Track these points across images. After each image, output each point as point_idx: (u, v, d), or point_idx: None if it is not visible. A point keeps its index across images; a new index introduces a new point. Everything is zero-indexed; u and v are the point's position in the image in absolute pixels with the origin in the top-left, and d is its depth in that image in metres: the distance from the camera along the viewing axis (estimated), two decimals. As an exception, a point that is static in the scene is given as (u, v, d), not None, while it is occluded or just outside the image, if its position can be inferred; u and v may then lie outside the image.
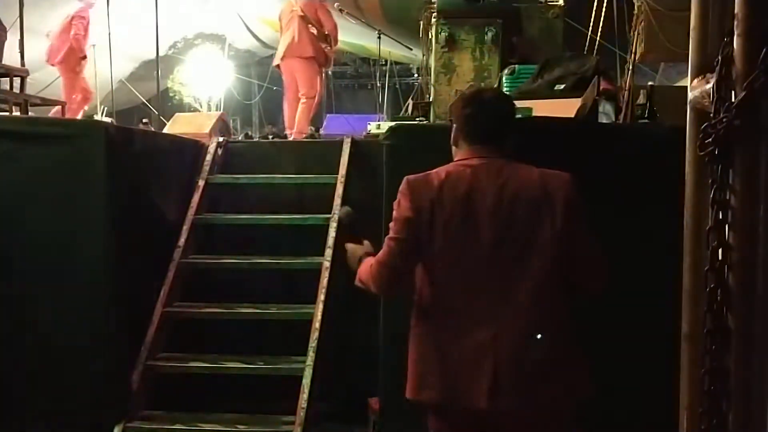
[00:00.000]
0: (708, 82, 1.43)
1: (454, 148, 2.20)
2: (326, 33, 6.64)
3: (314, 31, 6.55)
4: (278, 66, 6.85)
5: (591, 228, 2.07)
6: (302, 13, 6.50)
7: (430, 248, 2.05)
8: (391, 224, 2.12)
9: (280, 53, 6.69)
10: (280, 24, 6.80)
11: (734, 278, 1.34)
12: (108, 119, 7.16)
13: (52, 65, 7.56)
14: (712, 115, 1.35)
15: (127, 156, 3.75)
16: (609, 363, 2.77)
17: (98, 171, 3.53)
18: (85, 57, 7.48)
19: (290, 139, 6.46)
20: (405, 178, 2.12)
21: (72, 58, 7.38)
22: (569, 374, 2.03)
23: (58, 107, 6.65)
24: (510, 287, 2.00)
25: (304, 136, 6.51)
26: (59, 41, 7.40)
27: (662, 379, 2.03)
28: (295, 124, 6.63)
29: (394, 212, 2.11)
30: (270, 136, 11.65)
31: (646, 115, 3.90)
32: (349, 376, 3.96)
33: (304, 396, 3.47)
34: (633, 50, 6.30)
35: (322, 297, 3.78)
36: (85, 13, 7.45)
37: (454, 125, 2.20)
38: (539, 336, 1.98)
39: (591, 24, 7.14)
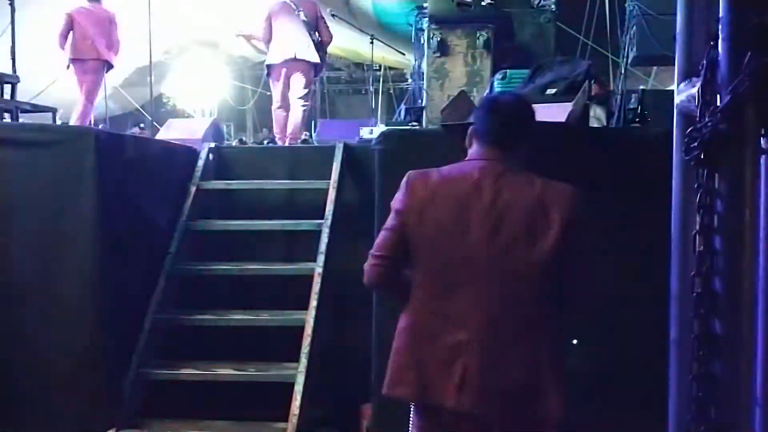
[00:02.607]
0: (694, 86, 1.43)
1: (468, 148, 2.20)
2: (321, 42, 6.61)
3: (314, 38, 6.53)
4: (269, 66, 6.66)
5: (586, 250, 2.02)
6: (306, 19, 6.46)
7: (417, 245, 2.06)
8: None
9: (281, 55, 6.44)
10: (268, 23, 6.61)
11: (721, 283, 1.33)
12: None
13: (84, 60, 6.60)
14: (697, 119, 1.35)
15: (118, 162, 3.73)
16: (601, 370, 2.77)
17: (88, 177, 3.51)
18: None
19: (284, 143, 6.41)
20: (408, 173, 2.14)
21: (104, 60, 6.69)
22: (539, 392, 1.96)
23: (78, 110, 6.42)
24: (490, 294, 1.98)
25: (299, 141, 6.48)
26: (99, 37, 6.54)
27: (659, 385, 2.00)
28: (292, 129, 6.57)
29: (392, 204, 2.14)
30: (265, 141, 11.66)
31: (637, 119, 3.92)
32: (341, 382, 3.94)
33: (296, 402, 3.45)
34: (625, 54, 6.31)
35: (314, 303, 3.77)
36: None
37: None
38: (513, 346, 1.96)
39: (583, 28, 7.16)
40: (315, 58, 6.46)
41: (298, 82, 6.50)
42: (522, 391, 1.96)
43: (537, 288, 1.97)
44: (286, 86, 6.57)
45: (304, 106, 6.55)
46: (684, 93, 1.51)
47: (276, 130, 6.78)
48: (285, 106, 6.61)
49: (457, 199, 2.02)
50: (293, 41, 6.40)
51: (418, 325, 2.07)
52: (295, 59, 6.39)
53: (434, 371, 2.00)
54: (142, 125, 11.00)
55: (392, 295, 2.23)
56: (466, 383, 1.95)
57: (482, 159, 2.07)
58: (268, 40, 6.58)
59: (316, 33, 6.53)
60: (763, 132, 1.36)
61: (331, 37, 6.69)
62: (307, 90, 6.55)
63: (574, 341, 3.02)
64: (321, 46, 6.58)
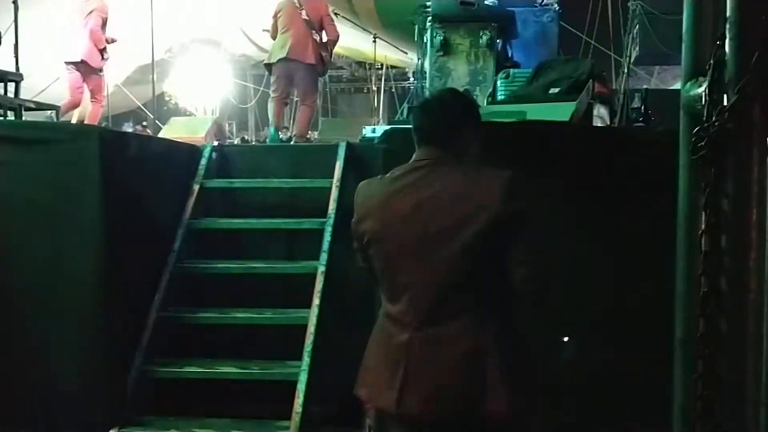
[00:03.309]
0: (701, 86, 1.43)
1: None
2: (326, 41, 6.60)
3: (317, 37, 6.51)
4: (269, 65, 6.69)
5: (529, 238, 1.94)
6: (307, 18, 6.44)
7: (368, 252, 2.08)
8: None
9: (278, 53, 6.49)
10: (275, 20, 6.67)
11: (727, 283, 1.33)
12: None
13: (73, 63, 6.76)
14: (704, 118, 1.35)
15: (122, 160, 3.74)
16: (603, 369, 2.77)
17: (92, 175, 3.52)
18: (104, 50, 6.82)
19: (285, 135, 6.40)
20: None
21: (93, 55, 6.71)
22: (484, 389, 1.88)
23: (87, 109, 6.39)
24: (424, 293, 1.94)
25: (304, 140, 6.48)
26: (78, 37, 6.67)
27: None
28: (298, 128, 6.58)
29: None
30: (267, 140, 11.64)
31: (640, 119, 3.92)
32: (344, 380, 3.93)
33: (299, 400, 3.45)
34: (628, 53, 6.32)
35: (317, 301, 3.77)
36: (105, 7, 6.85)
37: None
38: (452, 345, 1.91)
39: (586, 27, 7.16)
40: (310, 59, 6.42)
41: (298, 83, 6.51)
42: (464, 390, 1.91)
43: (470, 281, 1.92)
44: (287, 83, 6.57)
45: (308, 105, 6.56)
46: (690, 92, 1.51)
47: (272, 119, 6.74)
48: (283, 99, 6.60)
49: (389, 203, 2.01)
50: (291, 41, 6.40)
51: (379, 328, 2.08)
52: (288, 59, 6.39)
53: (384, 374, 1.99)
54: (144, 123, 11.01)
55: None
56: (408, 386, 1.92)
57: (415, 160, 2.04)
58: (275, 38, 6.60)
59: (321, 32, 6.52)
60: (769, 131, 1.36)
61: (338, 36, 6.68)
62: (308, 90, 6.55)
63: (565, 338, 3.03)
64: (325, 46, 6.57)
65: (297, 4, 6.50)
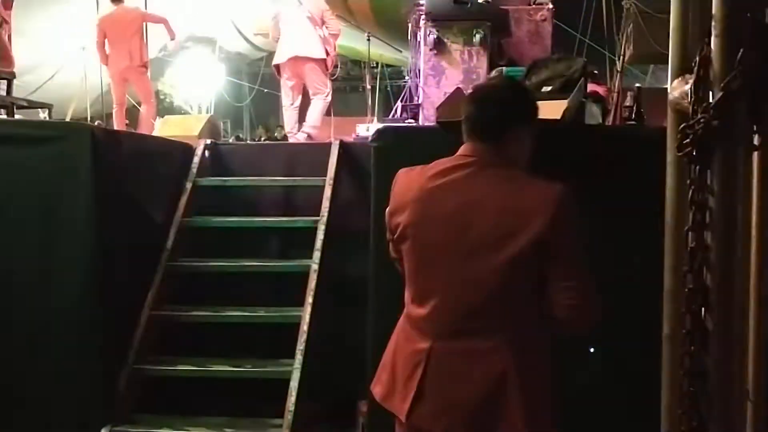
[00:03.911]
0: (687, 83, 1.43)
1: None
2: (328, 36, 6.61)
3: (321, 34, 6.53)
4: (277, 66, 6.73)
5: (579, 259, 1.78)
6: (310, 15, 6.46)
7: (400, 247, 1.96)
8: None
9: (285, 53, 6.53)
10: (276, 22, 6.67)
11: (713, 279, 1.34)
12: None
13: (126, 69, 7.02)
14: (690, 115, 1.36)
15: (114, 159, 3.73)
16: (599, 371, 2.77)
17: (84, 173, 3.51)
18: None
19: (302, 139, 6.41)
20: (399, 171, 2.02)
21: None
22: (503, 406, 1.77)
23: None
24: (452, 303, 1.82)
25: (316, 131, 6.48)
26: (133, 43, 6.98)
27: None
28: (310, 119, 6.58)
29: None
30: (262, 139, 11.64)
31: (633, 117, 3.92)
32: (337, 378, 3.94)
33: (292, 399, 3.45)
34: (621, 52, 6.33)
35: (310, 300, 3.77)
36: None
37: None
38: (474, 359, 1.80)
39: (580, 26, 7.17)
40: (319, 53, 6.46)
41: (309, 78, 6.53)
42: (482, 406, 1.79)
43: (502, 300, 1.79)
44: (297, 84, 6.60)
45: (320, 99, 6.58)
46: (677, 90, 1.51)
47: (287, 128, 6.83)
48: (296, 106, 6.64)
49: (428, 199, 1.87)
50: (296, 39, 6.43)
51: (400, 328, 1.99)
52: (297, 57, 6.41)
53: (400, 378, 1.90)
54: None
55: None
56: (424, 396, 1.83)
57: (461, 155, 1.90)
58: (278, 39, 6.62)
59: (324, 27, 6.53)
60: (755, 128, 1.37)
61: (339, 30, 6.71)
62: (319, 85, 6.57)
63: (592, 349, 2.97)
64: (329, 40, 6.59)
65: (298, 2, 6.52)
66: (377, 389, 2.00)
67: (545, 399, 1.86)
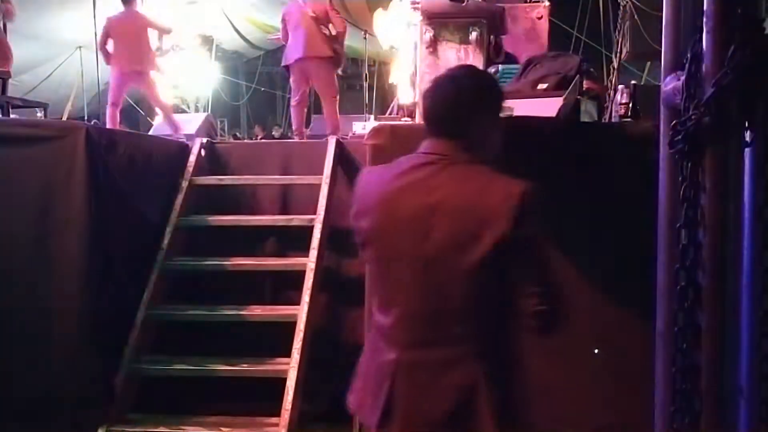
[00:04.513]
0: (680, 80, 1.43)
1: None
2: (335, 34, 6.63)
3: (326, 32, 6.54)
4: (286, 67, 6.76)
5: (544, 259, 1.72)
6: (314, 14, 6.48)
7: (365, 252, 1.87)
8: None
9: (292, 54, 6.58)
10: (284, 24, 6.72)
11: (705, 276, 1.34)
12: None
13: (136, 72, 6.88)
14: (681, 112, 1.35)
15: (109, 157, 3.73)
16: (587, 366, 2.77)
17: (79, 172, 3.51)
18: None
19: (302, 140, 6.45)
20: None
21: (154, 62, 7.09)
22: (472, 414, 1.71)
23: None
24: (416, 310, 1.74)
25: (339, 130, 6.50)
26: (139, 47, 6.87)
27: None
28: (330, 125, 6.62)
29: None
30: (259, 138, 11.62)
31: (629, 114, 3.92)
32: (334, 377, 3.93)
33: (289, 397, 3.45)
34: (618, 50, 6.33)
35: (306, 298, 3.77)
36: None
37: None
38: (443, 368, 1.72)
39: (576, 23, 7.17)
40: (326, 52, 6.49)
41: (317, 78, 6.56)
42: (451, 419, 1.72)
43: (468, 307, 1.71)
44: (305, 84, 6.63)
45: (330, 100, 6.61)
46: (670, 86, 1.51)
47: (294, 126, 6.88)
48: (303, 102, 6.67)
49: (389, 203, 1.76)
50: (302, 39, 6.45)
51: (369, 337, 1.90)
52: (305, 57, 6.44)
53: (369, 390, 1.82)
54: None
55: None
56: (392, 409, 1.75)
57: (422, 152, 1.78)
58: (287, 42, 6.67)
59: (330, 26, 6.55)
60: (746, 125, 1.37)
61: (345, 27, 6.73)
62: (327, 84, 6.60)
63: (596, 350, 2.96)
64: (335, 38, 6.61)
65: (301, 4, 6.55)
66: (351, 398, 1.93)
67: (515, 415, 1.79)
